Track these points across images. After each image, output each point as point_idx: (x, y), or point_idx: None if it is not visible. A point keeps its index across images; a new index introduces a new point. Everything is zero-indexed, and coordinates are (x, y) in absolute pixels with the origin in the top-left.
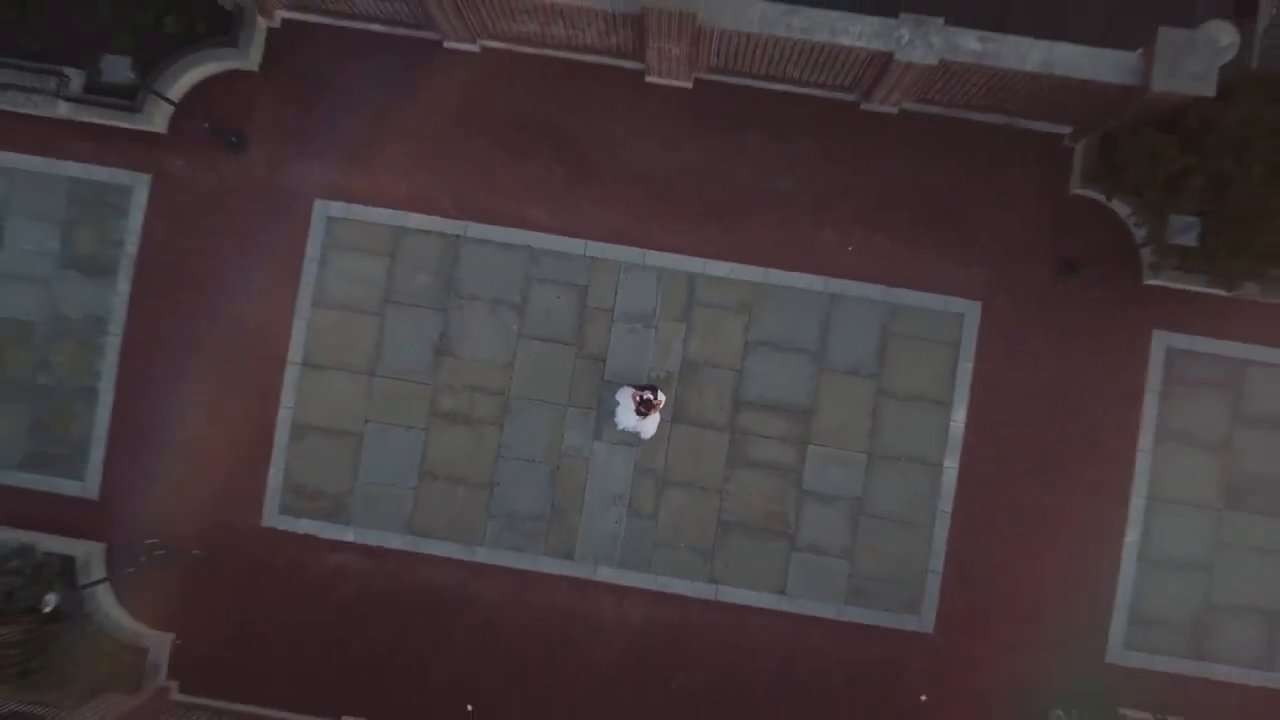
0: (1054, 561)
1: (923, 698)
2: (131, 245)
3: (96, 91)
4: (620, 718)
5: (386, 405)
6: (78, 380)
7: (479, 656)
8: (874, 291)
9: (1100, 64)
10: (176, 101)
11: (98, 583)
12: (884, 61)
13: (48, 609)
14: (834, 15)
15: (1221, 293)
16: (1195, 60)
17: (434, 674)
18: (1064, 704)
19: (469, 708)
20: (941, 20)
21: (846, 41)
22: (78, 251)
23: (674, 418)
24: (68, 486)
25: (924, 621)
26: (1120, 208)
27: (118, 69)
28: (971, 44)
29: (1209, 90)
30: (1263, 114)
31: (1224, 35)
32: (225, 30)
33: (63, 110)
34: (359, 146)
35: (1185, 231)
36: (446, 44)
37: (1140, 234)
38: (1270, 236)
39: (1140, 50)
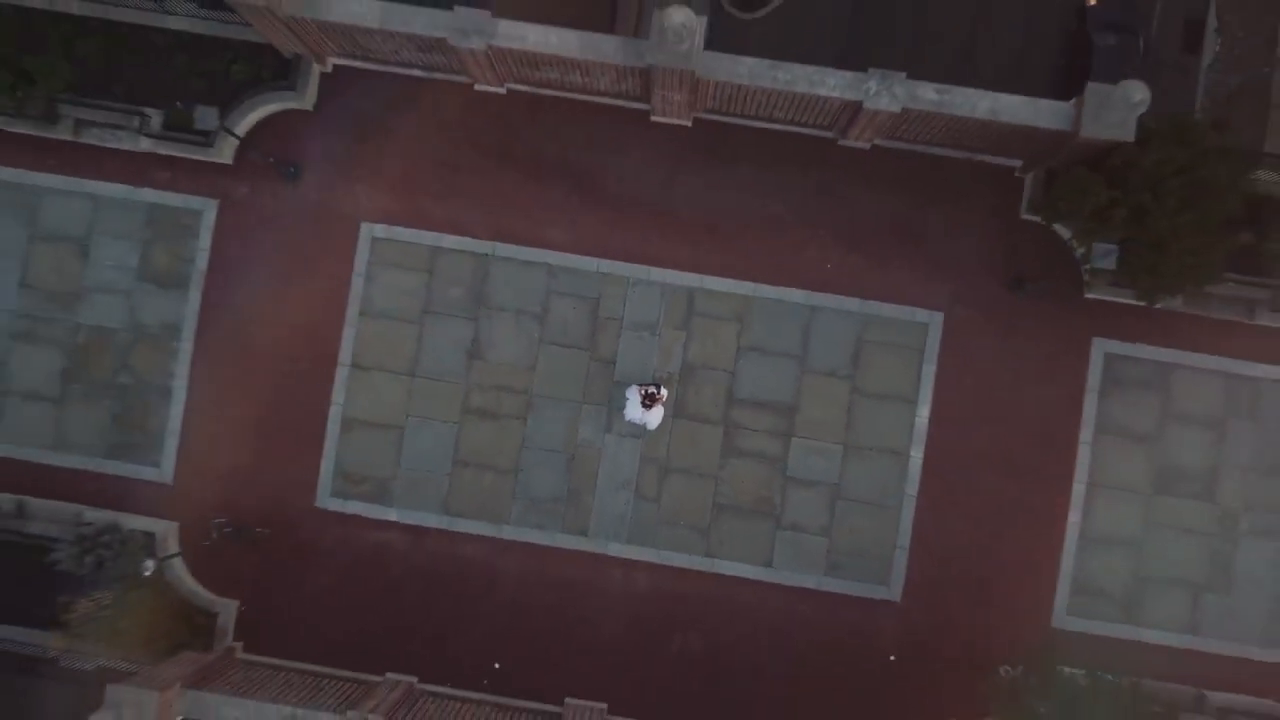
0: (1006, 539)
1: (891, 657)
2: (201, 261)
3: (173, 128)
4: (627, 674)
5: (424, 402)
6: (154, 380)
7: (505, 621)
8: (849, 304)
9: (1038, 112)
10: (242, 136)
11: (174, 556)
12: (855, 108)
13: (147, 573)
14: (811, 69)
15: (1158, 304)
16: (1115, 112)
17: (466, 635)
18: (1013, 662)
19: (496, 665)
20: (904, 74)
21: (823, 92)
22: (154, 267)
23: (675, 413)
24: (146, 472)
25: (892, 591)
26: (1062, 231)
27: (207, 118)
28: (929, 94)
29: (1128, 136)
30: (1175, 156)
31: (1137, 93)
32: (284, 75)
33: (144, 145)
34: (400, 175)
35: (1105, 256)
36: (477, 87)
37: (1079, 254)
38: (1181, 259)
39: (1073, 101)
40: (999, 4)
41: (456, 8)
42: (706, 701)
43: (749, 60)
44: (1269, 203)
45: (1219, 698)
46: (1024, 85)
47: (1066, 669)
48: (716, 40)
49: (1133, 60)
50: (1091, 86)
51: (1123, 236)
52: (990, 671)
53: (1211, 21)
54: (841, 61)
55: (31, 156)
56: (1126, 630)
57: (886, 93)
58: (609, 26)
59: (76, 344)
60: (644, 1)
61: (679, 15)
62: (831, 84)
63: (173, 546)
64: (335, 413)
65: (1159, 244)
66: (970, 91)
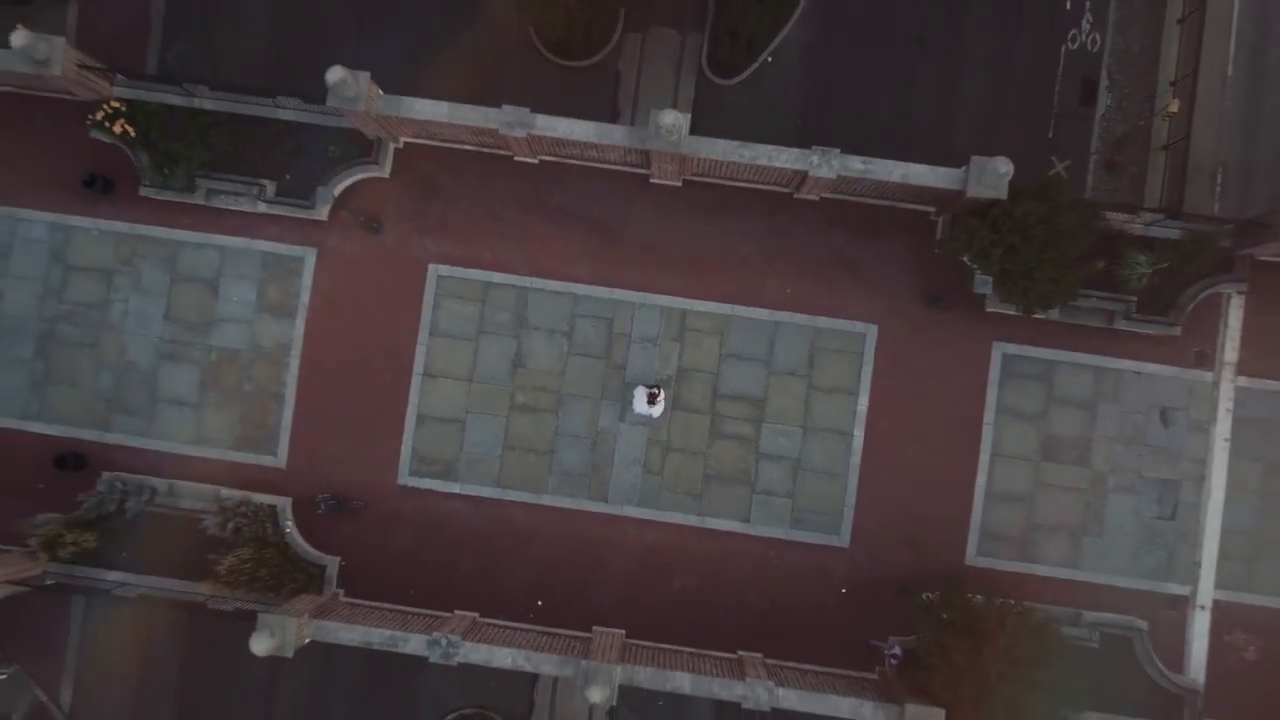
0: (929, 498)
1: (843, 590)
2: (305, 296)
3: (283, 194)
4: (638, 608)
5: (480, 401)
6: (270, 388)
7: (544, 568)
8: (804, 319)
9: (938, 177)
10: (336, 198)
11: (290, 522)
12: (804, 174)
13: (287, 531)
14: (770, 148)
15: (1036, 316)
16: (990, 178)
17: (515, 580)
18: (933, 591)
19: (539, 602)
20: (838, 149)
21: (779, 163)
22: (268, 301)
23: (673, 406)
24: (266, 460)
25: (843, 539)
26: (967, 260)
27: (326, 196)
28: (857, 165)
29: (1002, 194)
30: (1036, 208)
31: (1003, 166)
32: (368, 151)
33: (260, 207)
34: (458, 227)
35: (982, 285)
36: (516, 158)
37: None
38: (1044, 284)
39: (963, 169)
40: (922, 86)
41: (504, 106)
42: (701, 626)
43: (723, 142)
44: (1120, 236)
45: (1091, 615)
46: (939, 147)
47: (972, 595)
48: (700, 99)
49: None
50: (975, 159)
51: (1001, 268)
52: (916, 598)
53: (1104, 80)
54: (801, 124)
55: (174, 217)
56: (1022, 566)
57: (825, 164)
58: (612, 110)
59: (210, 362)
60: (637, 91)
61: (669, 117)
62: (784, 158)
63: (289, 516)
64: (411, 410)
65: (1027, 273)
66: (888, 162)
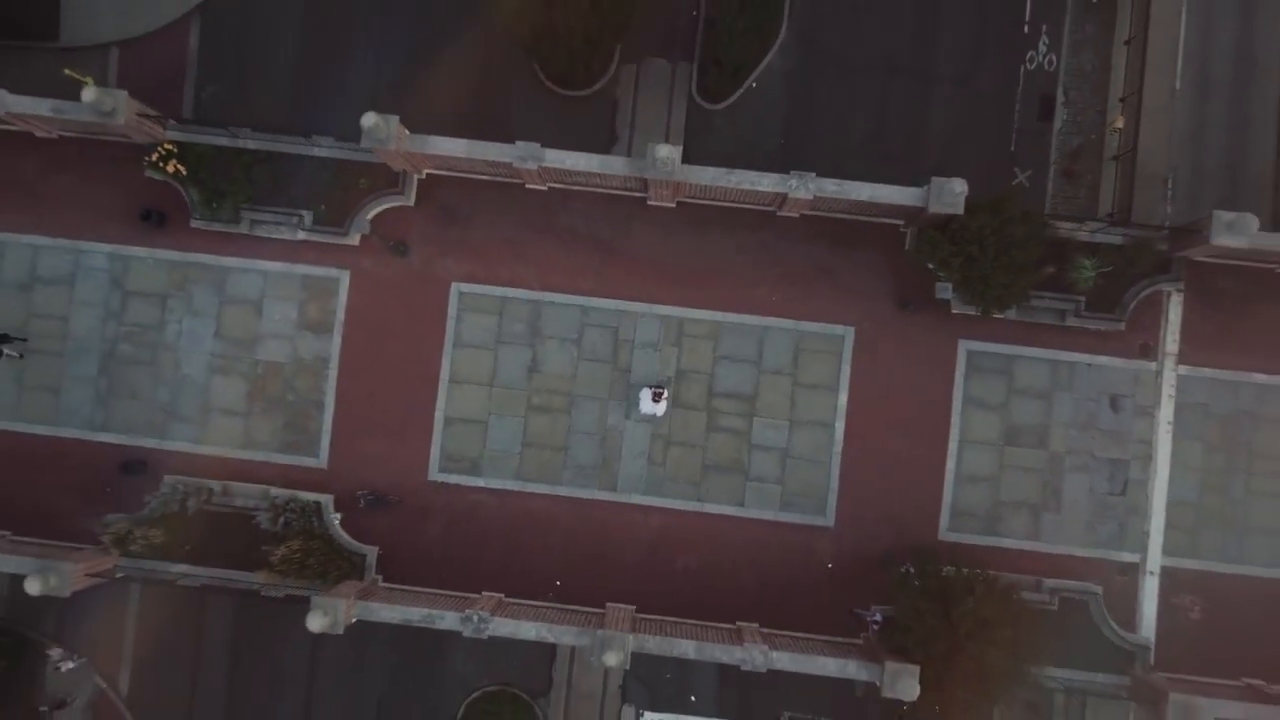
0: (904, 481)
1: (829, 565)
2: (340, 313)
3: (319, 222)
4: (646, 585)
5: (500, 403)
6: (311, 396)
7: (562, 552)
8: (789, 324)
9: (903, 195)
10: (366, 225)
11: (339, 515)
12: (784, 195)
13: (336, 523)
14: (753, 174)
15: (996, 316)
16: (948, 196)
17: (535, 563)
18: (909, 563)
19: (557, 582)
20: (814, 173)
21: (761, 187)
22: (308, 318)
23: (673, 404)
24: (309, 461)
25: (828, 519)
26: (932, 268)
27: (358, 223)
28: (831, 186)
29: (959, 210)
30: (990, 222)
31: (959, 186)
32: (394, 183)
33: (299, 235)
34: (476, 248)
35: (942, 291)
36: (528, 186)
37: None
38: (998, 289)
39: (924, 187)
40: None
41: (517, 142)
42: (703, 601)
43: (711, 169)
44: (1068, 243)
45: (1051, 582)
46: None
47: (944, 567)
48: (691, 123)
49: None
50: (934, 179)
51: (961, 275)
52: (894, 570)
53: (1060, 96)
54: (783, 144)
55: (221, 246)
56: (989, 539)
57: (802, 187)
58: (611, 134)
59: (256, 374)
60: (634, 117)
61: (664, 150)
62: (766, 182)
63: (333, 511)
64: (439, 413)
65: (983, 279)
66: (858, 183)
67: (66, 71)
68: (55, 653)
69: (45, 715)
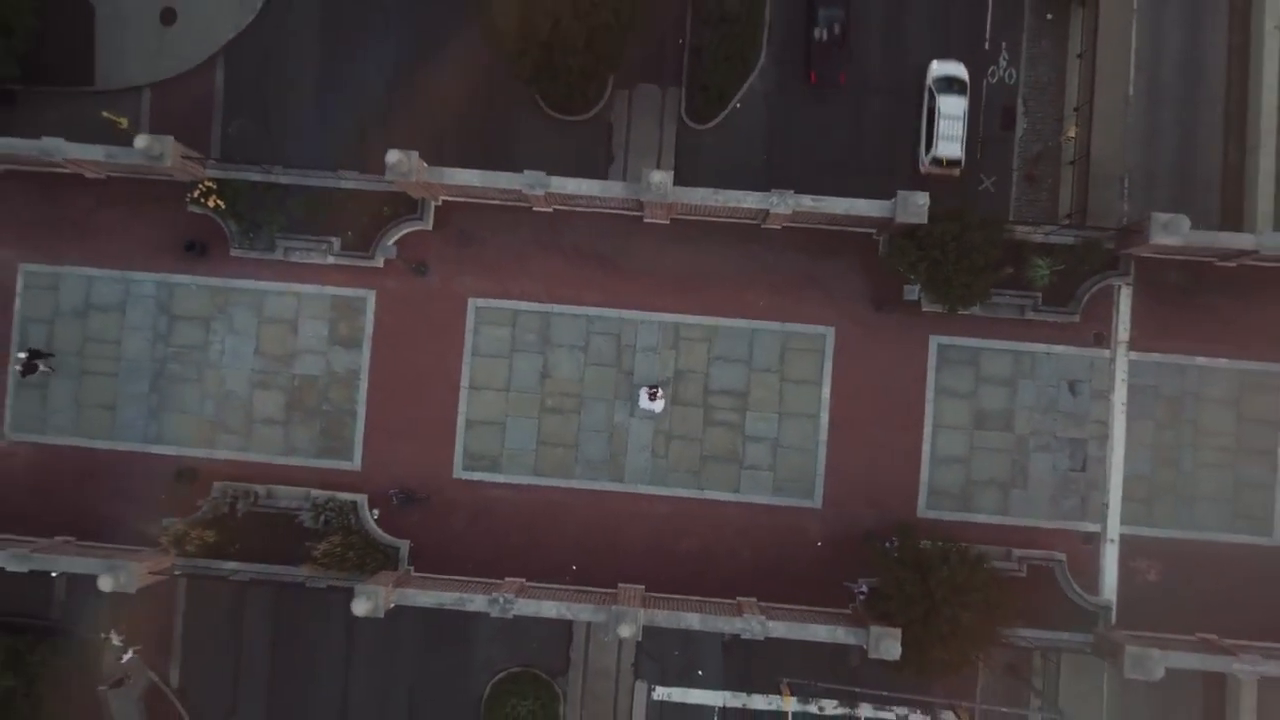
0: (884, 465)
1: (818, 543)
2: (369, 329)
3: (347, 248)
4: (653, 566)
5: (516, 406)
6: (345, 406)
7: (576, 539)
8: (775, 326)
9: (873, 207)
10: (390, 249)
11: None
12: (767, 211)
13: (371, 520)
14: (738, 193)
15: (962, 313)
16: (912, 207)
17: (553, 550)
18: (891, 539)
19: (574, 566)
20: (793, 190)
21: (746, 204)
22: (339, 335)
23: (672, 402)
24: (344, 465)
25: (816, 502)
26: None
27: (382, 247)
28: (808, 201)
29: (923, 220)
30: (951, 229)
31: (921, 199)
32: (413, 209)
33: (329, 259)
34: (490, 266)
35: (910, 294)
36: (535, 209)
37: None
38: (960, 289)
39: (892, 200)
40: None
41: (525, 171)
42: (705, 579)
43: (700, 190)
44: (1024, 245)
45: (1020, 551)
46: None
47: (923, 541)
48: (681, 142)
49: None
50: (900, 193)
51: (927, 277)
52: (877, 545)
53: (1020, 107)
54: (767, 159)
55: (259, 272)
56: (963, 515)
57: (783, 203)
58: (607, 155)
59: (294, 387)
60: (628, 139)
61: (658, 176)
62: (750, 200)
63: (368, 509)
64: (461, 417)
65: (947, 280)
66: (833, 199)
67: (105, 114)
68: (116, 639)
69: (104, 694)
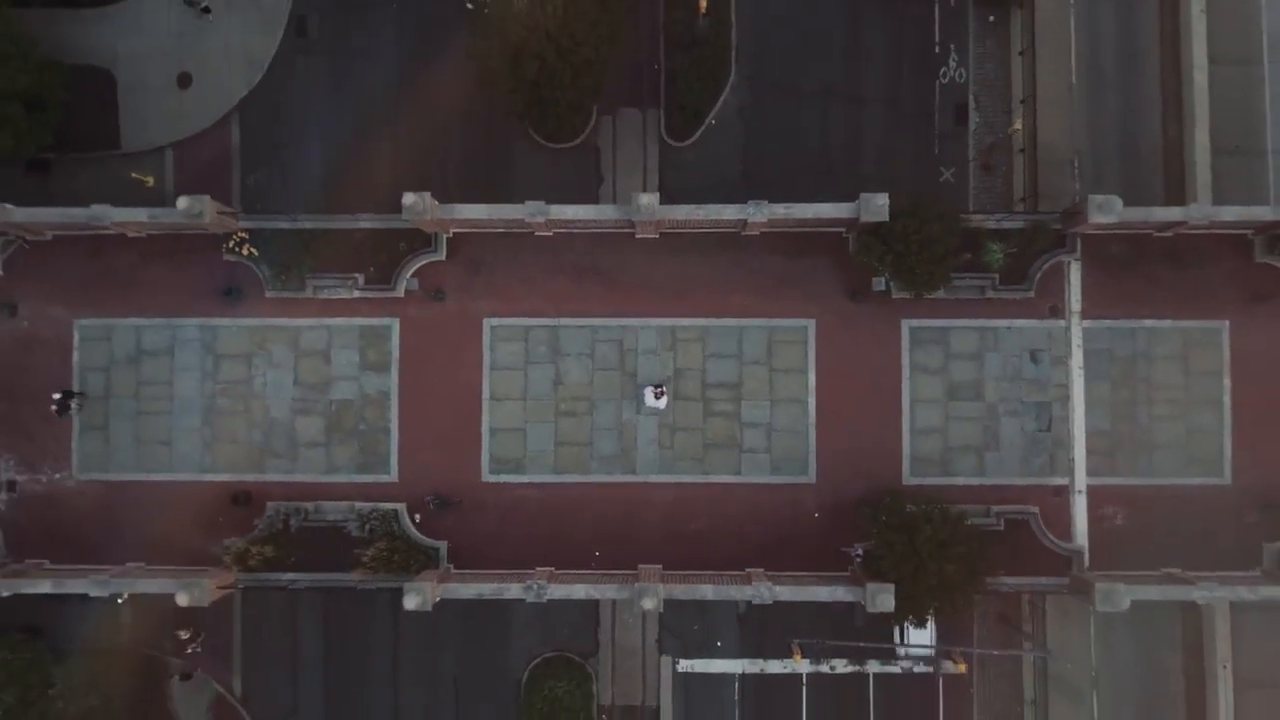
0: (869, 440)
1: (815, 514)
2: (395, 354)
3: (371, 282)
4: (667, 547)
5: (534, 412)
6: (379, 424)
7: (597, 528)
8: (761, 322)
9: (839, 209)
10: (409, 280)
11: (419, 515)
12: (745, 220)
13: (412, 525)
14: (718, 206)
15: (928, 298)
16: (874, 207)
17: (576, 539)
18: (879, 506)
19: (596, 553)
20: (767, 201)
21: (725, 216)
22: (369, 361)
23: (674, 398)
24: (383, 478)
25: (811, 478)
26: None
27: (401, 279)
28: (780, 209)
29: (885, 217)
30: (911, 223)
31: (881, 199)
32: (427, 242)
33: (355, 294)
34: (500, 289)
35: (878, 285)
36: (536, 233)
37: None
38: (922, 278)
39: (855, 202)
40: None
41: (527, 201)
42: (714, 555)
43: (684, 206)
44: (980, 232)
45: (997, 508)
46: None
47: (909, 505)
48: (663, 159)
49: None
50: (862, 195)
51: (893, 268)
52: (868, 512)
53: (971, 103)
54: (744, 169)
55: (293, 309)
56: (944, 479)
57: (758, 212)
58: (597, 176)
59: (331, 411)
60: (615, 160)
61: (645, 198)
62: (728, 212)
63: (407, 516)
64: (485, 426)
65: (911, 269)
66: (802, 205)
67: (133, 175)
68: (183, 634)
69: (176, 682)
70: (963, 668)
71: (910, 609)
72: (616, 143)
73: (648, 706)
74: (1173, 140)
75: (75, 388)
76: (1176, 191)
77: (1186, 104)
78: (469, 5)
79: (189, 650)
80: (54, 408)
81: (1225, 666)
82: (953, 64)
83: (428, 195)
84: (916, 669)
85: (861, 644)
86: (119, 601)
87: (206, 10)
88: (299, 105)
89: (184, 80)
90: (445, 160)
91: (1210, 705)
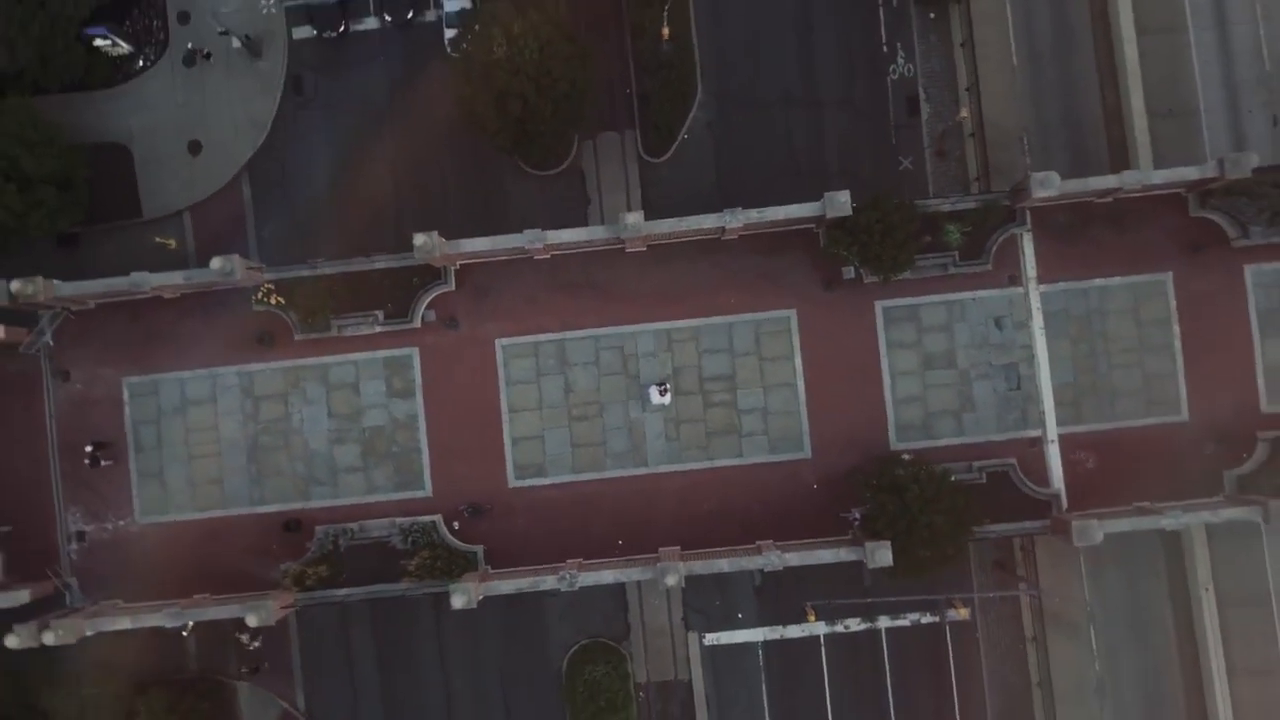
0: (856, 414)
1: (814, 486)
2: (419, 380)
3: (390, 317)
4: (682, 529)
5: (550, 419)
6: (410, 445)
7: (617, 518)
8: (748, 317)
9: (806, 209)
10: (431, 313)
11: (456, 524)
12: (723, 227)
13: (449, 533)
14: (696, 217)
15: (896, 279)
16: (837, 204)
17: (599, 531)
18: (868, 475)
19: (619, 542)
20: (741, 207)
21: (704, 225)
22: (395, 388)
23: (676, 393)
24: (418, 493)
25: (807, 453)
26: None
27: (417, 311)
28: (754, 214)
29: (849, 212)
30: (872, 215)
31: (843, 196)
32: (437, 275)
33: (377, 329)
34: (507, 311)
35: (847, 274)
36: (535, 257)
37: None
38: (887, 263)
39: (820, 200)
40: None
41: (525, 230)
42: (726, 531)
43: (667, 220)
44: (937, 215)
45: (978, 463)
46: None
47: (897, 469)
48: (643, 176)
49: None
50: (826, 194)
51: (860, 258)
52: (861, 480)
53: (921, 95)
54: (718, 178)
55: (320, 349)
56: (927, 442)
57: (733, 218)
58: (584, 198)
59: (365, 438)
60: (599, 181)
61: (633, 217)
62: (707, 221)
63: (444, 525)
64: (507, 437)
65: (877, 256)
66: (773, 208)
67: (157, 239)
68: (244, 637)
69: (245, 674)
70: (965, 613)
71: (907, 561)
72: (599, 165)
73: (680, 680)
74: (1111, 109)
75: (130, 437)
76: (1120, 156)
77: (1120, 74)
78: (453, 54)
79: (250, 647)
80: (86, 460)
81: (1207, 589)
82: (901, 61)
83: (435, 234)
84: (925, 619)
85: (869, 599)
86: (184, 634)
87: (208, 56)
88: (303, 158)
89: (194, 147)
90: (444, 195)
91: (1198, 625)
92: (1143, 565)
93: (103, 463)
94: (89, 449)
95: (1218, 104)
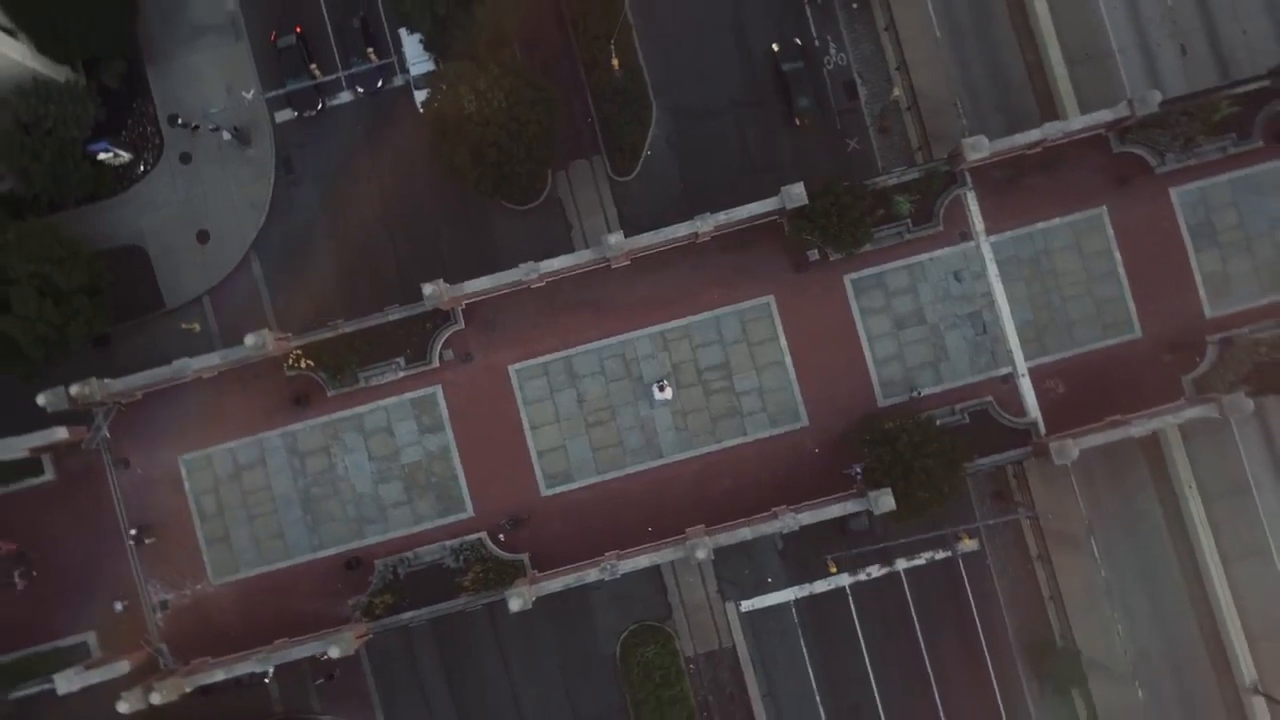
0: (843, 380)
1: (816, 450)
2: (445, 414)
3: (411, 362)
4: (703, 508)
5: (569, 430)
6: (447, 474)
7: (642, 508)
8: (731, 308)
9: (766, 205)
10: (450, 353)
11: (501, 536)
12: (695, 233)
13: (495, 547)
14: (669, 228)
15: (856, 253)
16: (793, 196)
17: (629, 522)
18: (861, 429)
19: (649, 529)
20: (709, 211)
21: (679, 233)
22: (425, 424)
23: (678, 387)
24: (461, 516)
25: (804, 422)
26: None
27: (434, 352)
28: (721, 217)
29: (805, 201)
30: (826, 200)
31: (797, 189)
32: (447, 317)
33: (400, 374)
34: (514, 338)
35: (812, 256)
36: (532, 285)
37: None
38: (846, 240)
39: (778, 195)
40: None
41: (520, 264)
42: (743, 504)
43: (644, 235)
44: (886, 189)
45: (960, 405)
46: (776, 164)
47: (885, 423)
48: (616, 195)
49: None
50: (783, 188)
51: (822, 238)
52: (856, 437)
53: (857, 80)
54: (684, 187)
55: (352, 401)
56: (912, 394)
57: (703, 223)
58: (566, 224)
59: (406, 474)
60: (577, 206)
61: (614, 238)
62: (680, 230)
63: (490, 541)
64: (533, 451)
65: (837, 235)
66: (737, 208)
67: (182, 326)
68: (315, 684)
69: (322, 684)
70: (972, 544)
71: (909, 504)
72: (574, 191)
73: (725, 648)
74: (1033, 64)
75: (193, 508)
76: (1048, 106)
77: (1035, 31)
78: (425, 114)
79: (324, 659)
80: (130, 542)
81: (1191, 487)
82: (833, 51)
83: (441, 281)
84: (938, 555)
85: (882, 545)
86: (265, 680)
87: (195, 128)
88: (304, 229)
89: (203, 236)
90: (437, 241)
91: (1187, 521)
92: (1130, 476)
93: (146, 541)
94: (133, 532)
95: (1130, 43)
